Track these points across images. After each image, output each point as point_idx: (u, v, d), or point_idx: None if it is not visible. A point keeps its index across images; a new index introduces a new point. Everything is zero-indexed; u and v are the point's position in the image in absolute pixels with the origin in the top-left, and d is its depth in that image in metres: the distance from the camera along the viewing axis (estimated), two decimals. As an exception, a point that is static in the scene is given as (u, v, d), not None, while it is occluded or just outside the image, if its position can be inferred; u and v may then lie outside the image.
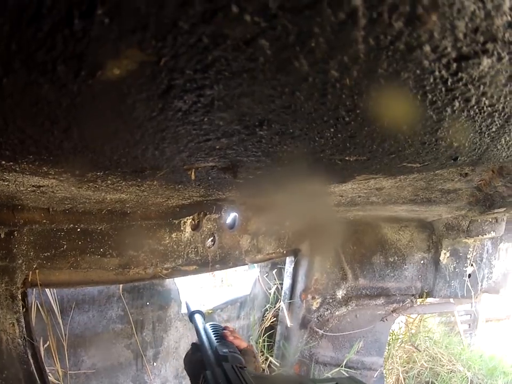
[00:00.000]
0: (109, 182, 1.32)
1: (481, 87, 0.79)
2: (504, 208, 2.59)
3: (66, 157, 1.03)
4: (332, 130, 0.92)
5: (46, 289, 2.43)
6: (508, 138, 1.21)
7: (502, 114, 0.96)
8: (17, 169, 1.10)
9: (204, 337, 1.81)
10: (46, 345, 2.51)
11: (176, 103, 0.71)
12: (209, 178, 1.35)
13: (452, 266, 4.41)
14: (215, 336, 1.81)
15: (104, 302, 2.90)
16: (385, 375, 5.53)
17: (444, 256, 4.35)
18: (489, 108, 0.90)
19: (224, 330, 1.87)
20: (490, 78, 0.76)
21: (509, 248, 4.66)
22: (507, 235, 4.49)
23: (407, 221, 4.17)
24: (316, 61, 0.61)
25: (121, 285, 2.90)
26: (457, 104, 0.85)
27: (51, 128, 0.80)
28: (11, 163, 1.04)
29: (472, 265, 4.42)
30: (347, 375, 4.62)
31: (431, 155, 1.24)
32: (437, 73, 0.70)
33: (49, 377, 2.47)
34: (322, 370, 4.74)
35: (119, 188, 1.44)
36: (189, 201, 2.05)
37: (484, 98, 0.84)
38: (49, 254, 1.92)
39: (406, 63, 0.65)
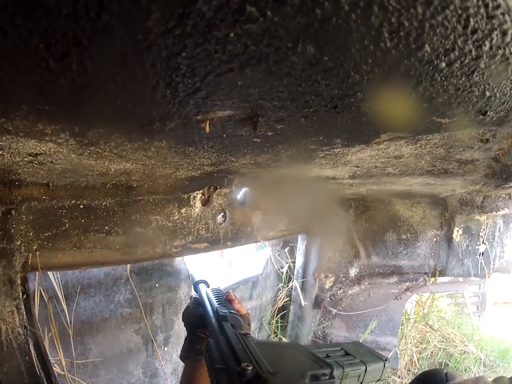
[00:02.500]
0: (112, 144, 1.21)
1: None
2: None
3: (64, 105, 0.92)
4: (370, 61, 0.82)
5: (48, 273, 2.35)
6: None
7: None
8: (10, 128, 1.00)
9: (207, 303, 1.82)
10: (50, 335, 2.41)
11: (200, 5, 0.59)
12: (224, 135, 1.23)
13: (464, 244, 4.36)
14: (216, 299, 1.84)
15: (111, 285, 2.78)
16: (399, 355, 5.48)
17: (457, 234, 4.30)
18: None
19: (229, 294, 1.92)
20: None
21: None
22: None
23: (420, 197, 4.12)
24: None
25: (128, 266, 2.80)
26: (495, 37, 0.77)
27: (46, 54, 0.68)
28: (3, 119, 0.94)
29: (484, 243, 4.35)
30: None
31: (462, 107, 1.16)
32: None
33: (54, 368, 2.39)
34: None
35: (124, 153, 1.34)
36: (199, 172, 1.94)
37: None
38: (50, 234, 1.79)
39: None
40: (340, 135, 1.39)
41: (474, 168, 2.34)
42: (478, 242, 4.40)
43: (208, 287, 2.05)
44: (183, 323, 1.96)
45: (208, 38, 0.67)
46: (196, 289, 2.05)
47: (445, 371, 0.96)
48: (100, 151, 1.27)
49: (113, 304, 2.85)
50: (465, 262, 4.46)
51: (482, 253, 4.44)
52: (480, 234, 4.37)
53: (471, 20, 0.70)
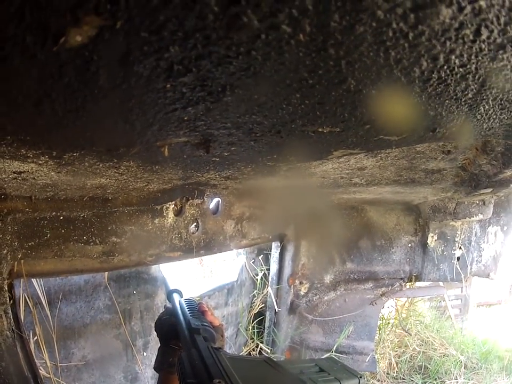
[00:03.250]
0: (86, 164, 1.32)
1: (447, 43, 0.76)
2: (491, 189, 2.61)
3: (42, 136, 1.04)
4: (298, 95, 0.91)
5: (33, 281, 2.42)
6: (486, 107, 1.18)
7: (476, 77, 0.93)
8: (-2, 153, 1.10)
9: (180, 314, 1.82)
10: (35, 338, 2.51)
11: (137, 68, 0.71)
12: (184, 156, 1.34)
13: (439, 249, 4.45)
14: (189, 310, 1.85)
15: (91, 292, 2.87)
16: (377, 359, 5.55)
17: (432, 239, 4.40)
18: (461, 69, 0.88)
19: (200, 304, 1.93)
20: (455, 32, 0.73)
21: (497, 232, 4.65)
22: (495, 218, 4.52)
23: (392, 204, 4.21)
24: (264, 15, 0.61)
25: (106, 274, 2.89)
26: (425, 63, 0.82)
27: (24, 102, 0.80)
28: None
29: (460, 248, 4.43)
30: (338, 360, 4.64)
31: (408, 126, 1.24)
32: (394, 25, 0.68)
33: (40, 370, 2.47)
34: (313, 356, 4.78)
35: (98, 171, 1.44)
36: (170, 185, 2.05)
37: (453, 57, 0.82)
38: (33, 243, 1.90)
39: (359, 14, 0.63)
40: (292, 154, 1.49)
41: (442, 177, 2.42)
42: (453, 247, 4.48)
43: (182, 296, 2.05)
44: (156, 332, 1.98)
45: (150, 89, 0.79)
46: (169, 299, 2.06)
47: None
48: (75, 169, 1.38)
49: (94, 310, 2.94)
50: (441, 267, 4.54)
51: (459, 258, 4.52)
52: (456, 240, 4.46)
53: (391, 52, 0.76)
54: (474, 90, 1.02)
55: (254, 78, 0.80)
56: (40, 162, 1.24)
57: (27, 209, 1.83)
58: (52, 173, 1.41)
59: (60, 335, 2.72)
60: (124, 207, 2.17)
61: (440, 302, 9.33)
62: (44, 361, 2.58)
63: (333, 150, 1.50)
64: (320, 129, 1.18)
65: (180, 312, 1.84)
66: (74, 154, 1.20)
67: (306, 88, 0.88)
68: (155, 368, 1.86)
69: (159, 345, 1.92)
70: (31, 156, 1.16)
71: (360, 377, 1.56)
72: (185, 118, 0.97)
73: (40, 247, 1.92)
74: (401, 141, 1.43)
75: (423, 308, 8.55)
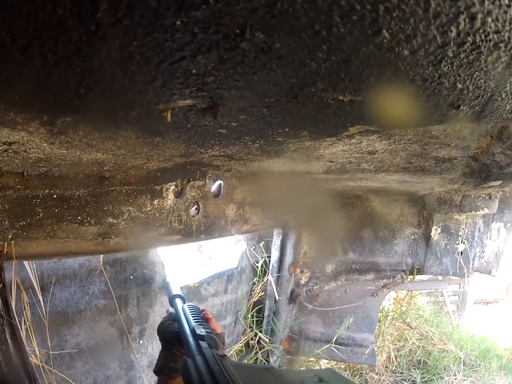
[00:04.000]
0: (81, 133, 1.22)
1: (486, 2, 0.69)
2: (500, 182, 2.55)
3: (31, 94, 0.94)
4: (325, 48, 0.80)
5: (25, 264, 2.34)
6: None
7: (508, 47, 0.85)
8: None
9: (184, 320, 1.81)
10: (26, 325, 2.41)
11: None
12: (189, 125, 1.24)
13: (443, 243, 4.41)
14: (192, 316, 1.83)
15: (86, 277, 2.77)
16: (376, 352, 5.51)
17: (435, 232, 4.35)
18: (495, 36, 0.80)
19: (204, 311, 1.93)
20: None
21: (501, 228, 4.61)
22: (499, 215, 4.49)
23: (397, 195, 4.15)
24: None
25: (101, 258, 2.80)
26: (462, 23, 0.74)
27: (12, 47, 0.70)
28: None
29: (463, 242, 4.38)
30: (338, 351, 4.65)
31: (432, 100, 1.14)
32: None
33: (31, 358, 2.39)
34: (312, 347, 4.79)
35: (94, 142, 1.34)
36: (171, 163, 1.95)
37: (490, 20, 0.74)
38: (24, 223, 1.79)
39: None
40: (305, 127, 1.39)
41: (452, 166, 2.35)
42: (457, 242, 4.44)
43: (184, 302, 2.03)
44: (158, 338, 1.95)
45: (156, 26, 0.68)
46: (172, 304, 2.04)
47: None
48: (69, 140, 1.28)
49: (88, 296, 2.84)
50: (443, 261, 4.50)
51: (461, 252, 4.48)
52: (459, 234, 4.41)
53: (432, 2, 0.67)
54: (504, 63, 0.94)
55: (279, 17, 0.69)
56: (31, 130, 1.14)
57: (19, 186, 1.72)
58: (44, 144, 1.31)
59: (53, 321, 2.63)
60: (121, 186, 2.07)
61: (438, 297, 9.37)
62: (35, 348, 2.49)
63: (350, 125, 1.39)
64: (341, 97, 1.08)
65: (183, 318, 1.84)
66: (67, 119, 1.10)
67: (336, 39, 0.77)
68: (155, 371, 1.86)
69: (160, 348, 1.91)
70: (21, 121, 1.07)
71: None
72: (194, 72, 0.86)
73: (32, 227, 1.80)
74: (422, 118, 1.34)
75: (422, 302, 8.57)
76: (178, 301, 2.03)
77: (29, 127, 1.12)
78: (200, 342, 1.59)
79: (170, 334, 1.85)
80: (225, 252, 5.44)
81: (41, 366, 2.49)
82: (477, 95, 1.15)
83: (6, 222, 1.74)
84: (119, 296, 3.04)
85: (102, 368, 3.08)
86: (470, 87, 1.08)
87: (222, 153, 1.79)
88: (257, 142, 1.55)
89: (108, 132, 1.25)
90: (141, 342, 3.34)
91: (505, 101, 1.24)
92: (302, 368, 4.87)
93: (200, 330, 1.68)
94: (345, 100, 1.10)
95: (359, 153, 1.99)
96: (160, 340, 1.94)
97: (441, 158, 2.16)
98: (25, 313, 2.38)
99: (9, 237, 1.76)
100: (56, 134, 1.21)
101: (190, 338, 1.64)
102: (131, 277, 3.16)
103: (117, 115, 1.09)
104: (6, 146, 1.29)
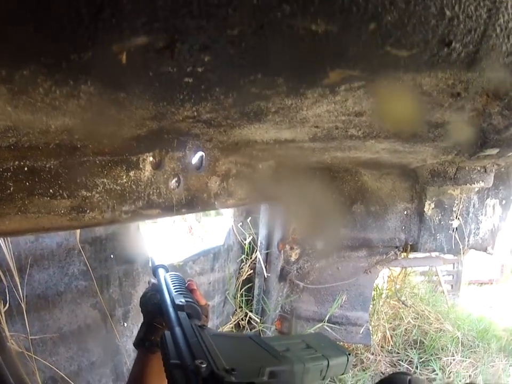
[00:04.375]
0: (41, 90, 1.12)
1: None
2: (497, 149, 2.43)
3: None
4: None
5: (1, 245, 2.28)
6: (506, 17, 1.02)
7: None
8: None
9: (165, 291, 1.78)
10: (5, 308, 2.34)
11: None
12: (150, 73, 1.13)
13: (437, 218, 4.36)
14: (174, 285, 1.80)
15: (64, 257, 2.68)
16: (371, 332, 5.50)
17: (429, 208, 4.30)
18: None
19: (189, 281, 1.89)
20: None
21: (496, 205, 4.58)
22: (494, 191, 4.46)
23: (388, 168, 4.06)
24: None
25: (78, 235, 2.70)
26: None
27: None
28: None
29: (458, 218, 4.34)
30: (331, 331, 4.63)
31: (420, 33, 1.04)
32: None
33: (12, 345, 2.34)
34: (304, 326, 4.83)
35: (57, 103, 1.24)
36: (145, 129, 1.83)
37: None
38: None
39: None
40: (280, 72, 1.27)
41: (446, 132, 2.25)
42: (451, 217, 4.39)
43: (167, 271, 2.00)
44: (140, 309, 1.92)
45: None
46: (155, 274, 2.01)
47: (409, 377, 0.88)
48: (32, 101, 1.19)
49: (68, 277, 2.76)
50: (438, 237, 4.45)
51: (456, 229, 4.43)
52: (454, 209, 4.35)
53: None
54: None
55: None
56: None
57: (-12, 159, 1.62)
58: (9, 109, 1.21)
59: (33, 305, 2.55)
60: (94, 156, 1.95)
61: (432, 277, 9.41)
62: (15, 334, 2.42)
63: (329, 68, 1.28)
64: (313, 26, 0.97)
65: (164, 287, 1.80)
66: (25, 72, 1.01)
67: None
68: (134, 344, 1.86)
69: (142, 321, 1.89)
70: None
71: (349, 354, 1.53)
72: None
73: (3, 202, 1.70)
74: (411, 59, 1.22)
75: (416, 281, 8.60)
76: (161, 271, 1.99)
77: None
78: (179, 312, 1.54)
79: (152, 306, 1.81)
80: (211, 230, 5.42)
81: (17, 352, 2.41)
82: (469, 29, 1.06)
83: (-23, 198, 1.65)
84: (99, 277, 2.96)
85: (86, 354, 3.01)
86: (460, 16, 0.99)
87: (196, 115, 1.67)
88: (230, 95, 1.44)
89: (68, 87, 1.15)
90: (125, 324, 3.27)
91: (501, 39, 1.14)
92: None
93: (180, 300, 1.64)
94: (319, 31, 0.99)
95: (345, 116, 1.88)
96: (142, 312, 1.91)
97: (434, 122, 2.06)
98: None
99: (-20, 213, 1.67)
100: (17, 93, 1.13)
101: (170, 309, 1.60)
102: (112, 256, 3.06)
103: (70, 60, 0.99)
104: (-30, 113, 1.20)
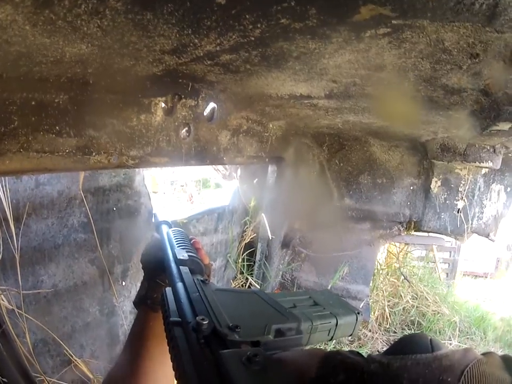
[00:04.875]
0: (66, 2, 1.05)
1: None
2: (510, 124, 2.41)
3: None
4: None
5: None
6: None
7: None
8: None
9: (168, 246, 1.72)
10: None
11: None
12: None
13: (442, 197, 4.38)
14: (176, 240, 1.75)
15: (65, 207, 2.59)
16: (370, 307, 5.53)
17: (435, 185, 4.33)
18: None
19: (194, 240, 1.82)
20: None
21: (501, 191, 4.59)
22: (500, 177, 4.48)
23: (398, 140, 4.06)
24: None
25: (81, 181, 2.61)
26: None
27: None
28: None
29: (463, 199, 4.34)
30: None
31: None
32: None
33: (2, 300, 2.27)
34: None
35: (79, 22, 1.18)
36: (160, 68, 1.78)
37: None
38: None
39: None
40: (313, 0, 1.23)
41: (461, 100, 2.24)
42: (456, 197, 4.40)
43: (171, 228, 1.93)
44: (141, 264, 1.85)
45: None
46: (158, 230, 1.95)
47: (430, 337, 0.83)
48: (53, 17, 1.12)
49: (67, 229, 2.67)
50: (442, 216, 4.46)
51: (460, 210, 4.44)
52: (460, 189, 4.37)
53: None
54: None
55: None
56: (16, 0, 0.99)
57: (-4, 89, 1.54)
58: (27, 27, 1.15)
59: (28, 258, 2.47)
60: (106, 94, 1.89)
61: (429, 263, 9.49)
62: (6, 288, 2.34)
63: (362, 3, 1.22)
64: None
65: (167, 243, 1.74)
66: None
67: None
68: (135, 302, 1.77)
69: (142, 278, 1.82)
70: None
71: (358, 313, 1.47)
72: None
73: (5, 137, 1.61)
74: (438, 3, 1.19)
75: (415, 264, 8.69)
76: (164, 227, 1.93)
77: None
78: (181, 267, 1.50)
79: (154, 261, 1.73)
80: (216, 194, 5.41)
81: (8, 310, 2.33)
82: None
83: (-23, 131, 1.56)
84: (100, 230, 2.87)
85: (81, 314, 2.93)
86: None
87: (217, 50, 1.62)
88: (259, 25, 1.38)
89: (95, 0, 1.08)
90: (123, 283, 3.20)
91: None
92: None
93: (182, 255, 1.59)
94: None
95: (365, 69, 1.85)
96: (142, 269, 1.84)
97: (450, 87, 2.05)
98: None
99: (-21, 149, 1.59)
100: (41, 6, 1.06)
101: (172, 264, 1.55)
102: (114, 209, 2.99)
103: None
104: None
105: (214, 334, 1.01)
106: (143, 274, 1.81)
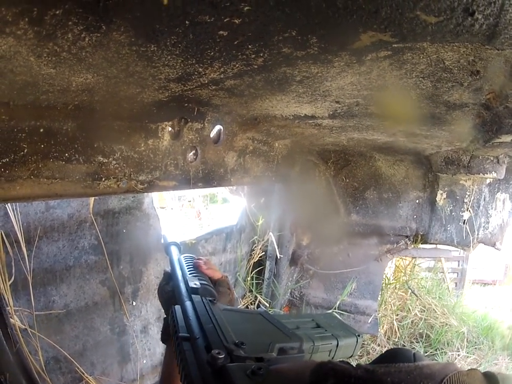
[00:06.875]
0: (70, 36, 1.08)
1: None
2: None
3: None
4: None
5: (10, 215, 2.23)
6: None
7: None
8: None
9: (177, 269, 1.79)
10: (10, 282, 2.28)
11: None
12: (187, 22, 1.09)
13: (448, 209, 4.37)
14: (188, 268, 1.80)
15: (76, 229, 2.63)
16: (378, 321, 5.52)
17: (440, 197, 4.31)
18: None
19: (197, 260, 1.87)
20: None
21: (506, 200, 4.58)
22: (505, 185, 4.45)
23: (403, 154, 4.06)
24: None
25: (91, 205, 2.66)
26: None
27: None
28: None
29: (469, 210, 4.34)
30: (339, 318, 4.65)
31: (447, 0, 1.05)
32: None
33: (16, 321, 2.27)
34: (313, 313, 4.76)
35: (83, 54, 1.20)
36: (166, 94, 1.81)
37: None
38: (8, 159, 1.61)
39: None
40: (315, 29, 1.25)
41: (463, 115, 2.26)
42: (462, 209, 4.39)
43: (180, 250, 2.01)
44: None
45: None
46: (167, 252, 2.03)
47: (413, 351, 0.89)
48: (57, 49, 1.14)
49: (78, 251, 2.71)
50: (448, 228, 4.44)
51: (466, 221, 4.42)
52: (465, 201, 4.35)
53: None
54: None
55: None
56: (19, 33, 1.01)
57: (3, 117, 1.55)
58: (32, 59, 1.17)
59: (39, 279, 2.50)
60: (113, 120, 1.92)
61: (437, 274, 9.45)
62: (19, 309, 2.37)
63: (362, 30, 1.26)
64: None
65: (177, 265, 1.83)
66: (57, 12, 0.96)
67: None
68: (162, 339, 1.83)
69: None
70: (10, 19, 0.94)
71: (358, 335, 1.56)
72: None
73: (16, 164, 1.63)
74: (437, 26, 1.21)
75: (423, 276, 8.66)
76: (173, 248, 2.00)
77: (18, 28, 0.99)
78: (193, 296, 1.54)
79: (168, 293, 1.79)
80: (217, 216, 5.42)
81: (20, 329, 2.36)
82: (489, 1, 1.07)
83: (-13, 159, 1.58)
84: (110, 252, 2.91)
85: (92, 333, 2.96)
86: None
87: (221, 78, 1.65)
88: (261, 54, 1.41)
89: (99, 33, 1.11)
90: (134, 303, 3.23)
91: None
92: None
93: (194, 283, 1.64)
94: None
95: (368, 90, 1.88)
96: (161, 305, 1.90)
97: (452, 103, 2.07)
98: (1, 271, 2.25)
99: (-10, 175, 1.61)
100: (44, 39, 1.08)
101: (181, 284, 1.64)
102: (124, 231, 3.02)
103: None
104: (-9, 64, 1.16)
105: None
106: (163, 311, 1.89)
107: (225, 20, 1.11)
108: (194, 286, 1.61)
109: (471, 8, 1.10)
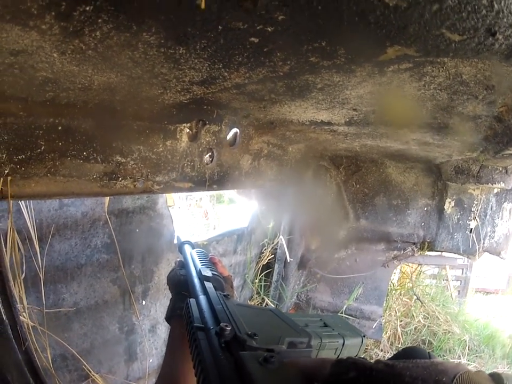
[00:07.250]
0: (98, 34, 1.07)
1: None
2: None
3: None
4: None
5: (23, 211, 2.24)
6: None
7: None
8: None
9: (191, 264, 1.85)
10: (21, 279, 2.26)
11: None
12: (220, 27, 1.09)
13: (455, 217, 4.37)
14: (200, 260, 1.87)
15: (89, 228, 2.63)
16: (382, 327, 5.53)
17: (448, 206, 4.32)
18: None
19: (211, 256, 1.97)
20: None
21: None
22: (511, 195, 4.43)
23: (413, 161, 4.07)
24: None
25: (106, 204, 2.67)
26: None
27: None
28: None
29: (476, 219, 4.34)
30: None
31: (472, 20, 1.06)
32: None
33: (23, 318, 2.25)
34: None
35: (109, 53, 1.20)
36: (188, 97, 1.82)
37: None
38: (24, 156, 1.61)
39: None
40: (343, 42, 1.27)
41: (476, 126, 2.28)
42: (469, 217, 4.39)
43: (193, 248, 2.08)
44: (168, 285, 2.01)
45: None
46: (181, 250, 2.12)
47: (428, 351, 0.92)
48: (83, 47, 1.14)
49: (90, 249, 2.71)
50: (455, 236, 4.45)
51: (473, 230, 4.43)
52: (472, 209, 4.36)
53: None
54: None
55: None
56: (43, 27, 0.99)
57: (21, 113, 1.55)
58: (55, 55, 1.17)
59: (50, 277, 2.50)
60: (133, 121, 1.92)
61: (441, 281, 9.45)
62: (29, 306, 2.36)
63: (389, 44, 1.27)
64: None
65: (190, 261, 1.89)
66: (87, 8, 0.95)
67: None
68: (166, 317, 1.89)
69: (163, 290, 1.99)
70: (35, 12, 0.92)
71: (364, 336, 1.60)
72: None
73: (32, 161, 1.63)
74: (460, 44, 1.23)
75: (427, 283, 8.67)
76: (187, 247, 2.08)
77: (43, 23, 0.98)
78: (205, 283, 1.64)
79: (179, 278, 1.89)
80: (230, 220, 5.41)
81: (31, 326, 2.35)
82: (510, 23, 1.09)
83: (4, 155, 1.56)
84: (123, 251, 2.91)
85: (100, 331, 2.97)
86: (505, 10, 1.03)
87: (245, 83, 1.66)
88: (288, 62, 1.43)
89: (128, 33, 1.11)
90: (143, 303, 3.23)
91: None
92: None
93: (207, 272, 1.74)
94: (391, 4, 0.99)
95: (385, 99, 1.91)
96: (169, 289, 1.99)
97: (466, 115, 2.09)
98: (16, 267, 2.24)
99: (6, 172, 1.58)
100: (70, 35, 1.07)
101: (195, 280, 1.69)
102: (137, 230, 3.03)
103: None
104: (12, 58, 1.15)
105: (234, 339, 1.10)
106: (170, 294, 1.94)
107: (258, 28, 1.12)
108: (207, 274, 1.70)
109: (493, 29, 1.12)
